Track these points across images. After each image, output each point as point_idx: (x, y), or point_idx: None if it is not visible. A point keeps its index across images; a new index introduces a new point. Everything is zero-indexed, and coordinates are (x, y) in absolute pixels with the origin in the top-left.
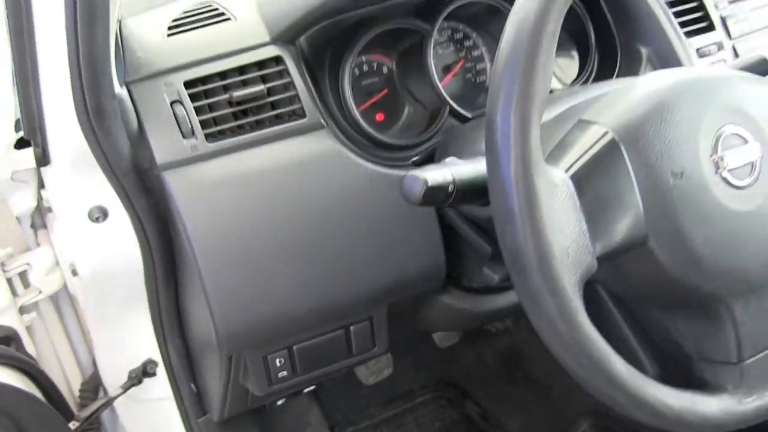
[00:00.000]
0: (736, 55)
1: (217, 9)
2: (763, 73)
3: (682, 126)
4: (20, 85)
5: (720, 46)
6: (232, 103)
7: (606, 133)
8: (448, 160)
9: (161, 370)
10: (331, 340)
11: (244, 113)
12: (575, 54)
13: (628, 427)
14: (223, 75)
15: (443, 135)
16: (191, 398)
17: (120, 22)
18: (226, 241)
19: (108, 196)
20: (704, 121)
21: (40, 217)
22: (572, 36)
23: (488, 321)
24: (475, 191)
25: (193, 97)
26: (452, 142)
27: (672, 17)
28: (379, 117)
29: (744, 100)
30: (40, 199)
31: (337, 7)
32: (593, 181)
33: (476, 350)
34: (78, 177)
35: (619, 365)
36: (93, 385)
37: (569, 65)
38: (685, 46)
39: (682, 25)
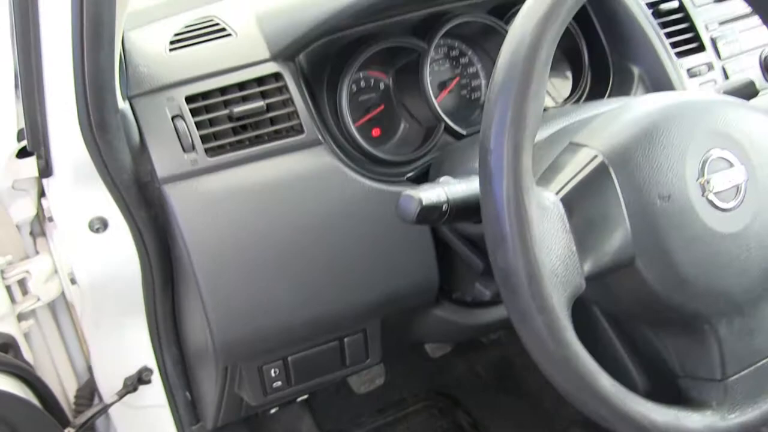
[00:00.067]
0: (726, 75)
1: (218, 24)
2: (750, 95)
3: (670, 150)
4: (25, 98)
5: (710, 67)
6: (232, 118)
7: (596, 156)
8: (442, 179)
9: (156, 378)
10: (326, 352)
11: (244, 128)
12: (569, 73)
13: None
14: (223, 90)
15: (438, 151)
16: (186, 406)
17: (123, 35)
18: (224, 253)
19: (108, 208)
20: (691, 145)
21: (39, 224)
22: (566, 55)
23: (480, 334)
24: (468, 210)
25: (194, 112)
26: (447, 159)
27: (663, 38)
28: (375, 132)
29: (730, 125)
30: (39, 207)
31: (337, 25)
32: (583, 203)
33: (468, 360)
34: (79, 189)
35: (605, 381)
36: (88, 392)
37: (562, 84)
38: (676, 66)
39: (674, 45)
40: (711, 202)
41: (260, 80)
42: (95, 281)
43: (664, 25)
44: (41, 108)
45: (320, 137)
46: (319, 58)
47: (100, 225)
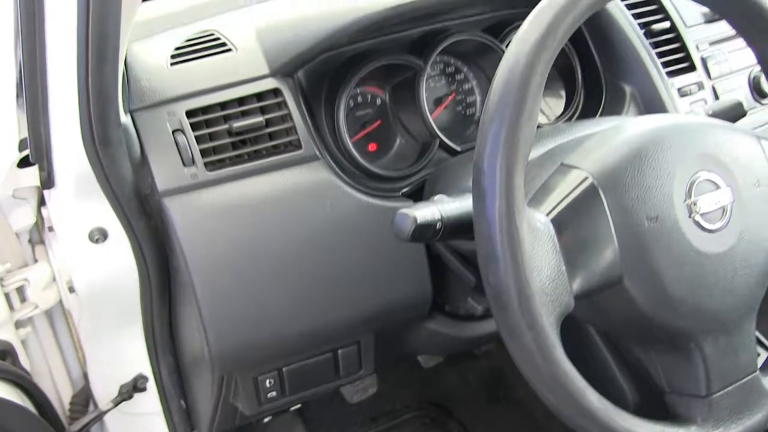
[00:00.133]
0: (716, 94)
1: (218, 39)
2: (738, 116)
3: (658, 172)
4: (30, 111)
5: (700, 86)
6: (232, 133)
7: (586, 177)
8: (436, 198)
9: (152, 386)
10: (320, 363)
11: (243, 143)
12: (562, 91)
13: None
14: (223, 105)
15: (433, 167)
16: (180, 414)
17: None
18: (221, 265)
19: (108, 219)
20: (679, 168)
21: (37, 232)
22: (560, 73)
23: (472, 346)
24: (461, 228)
25: (194, 126)
26: (441, 176)
27: (655, 57)
28: (372, 147)
29: (717, 148)
30: (39, 216)
31: (336, 43)
32: (572, 224)
33: (460, 371)
34: (80, 200)
35: (592, 398)
36: (83, 399)
37: (556, 101)
38: (667, 85)
39: (665, 65)
40: (698, 223)
41: (259, 96)
42: (94, 290)
43: (656, 45)
44: (45, 121)
45: (317, 152)
46: (318, 75)
47: (99, 236)
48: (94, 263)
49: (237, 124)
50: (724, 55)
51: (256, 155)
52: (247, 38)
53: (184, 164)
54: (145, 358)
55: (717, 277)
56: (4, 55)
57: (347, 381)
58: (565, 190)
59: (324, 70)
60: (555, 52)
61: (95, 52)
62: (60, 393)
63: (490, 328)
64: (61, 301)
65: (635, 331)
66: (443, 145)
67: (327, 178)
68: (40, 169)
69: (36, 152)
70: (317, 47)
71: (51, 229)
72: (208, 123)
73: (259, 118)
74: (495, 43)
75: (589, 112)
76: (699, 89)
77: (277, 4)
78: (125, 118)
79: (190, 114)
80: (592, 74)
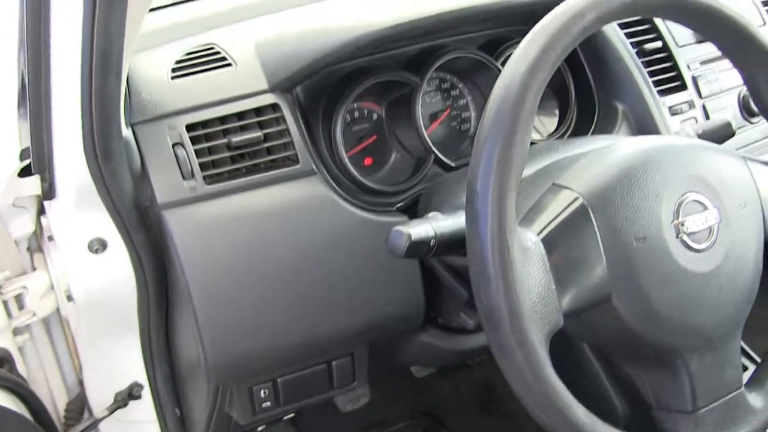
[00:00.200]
0: (706, 113)
1: (218, 53)
2: (726, 136)
3: (647, 193)
4: (33, 123)
5: (691, 105)
6: (231, 147)
7: (576, 198)
8: (430, 215)
9: (147, 394)
10: (314, 374)
11: (242, 157)
12: (556, 109)
13: None
14: (222, 120)
15: (428, 182)
16: (175, 422)
17: None
18: (219, 277)
19: (108, 230)
20: (668, 189)
21: (36, 241)
22: (554, 90)
23: (464, 358)
24: (454, 245)
25: (194, 140)
26: (435, 193)
27: (647, 76)
28: (368, 161)
29: (705, 169)
30: (38, 224)
31: (335, 60)
32: (562, 243)
33: (452, 381)
34: (81, 211)
35: (580, 413)
36: (78, 406)
37: (549, 118)
38: (658, 104)
39: (657, 83)
40: (685, 243)
41: (258, 110)
42: (92, 299)
43: (648, 64)
44: (48, 133)
45: (314, 167)
46: (316, 90)
47: (99, 246)
48: (93, 273)
49: (236, 139)
50: (715, 75)
51: (255, 169)
52: (246, 53)
53: (183, 177)
54: (140, 366)
55: (703, 296)
56: (6, 65)
57: (341, 392)
58: (556, 210)
59: (322, 86)
60: (550, 73)
61: (99, 65)
62: (55, 400)
63: (482, 341)
64: (58, 309)
65: (624, 348)
66: (438, 161)
67: (323, 192)
68: (42, 180)
69: (38, 163)
70: (316, 64)
71: (50, 238)
72: (207, 137)
73: (258, 133)
74: (490, 61)
75: (581, 129)
76: (690, 108)
77: (276, 18)
78: (126, 132)
79: (190, 128)
80: (585, 92)
